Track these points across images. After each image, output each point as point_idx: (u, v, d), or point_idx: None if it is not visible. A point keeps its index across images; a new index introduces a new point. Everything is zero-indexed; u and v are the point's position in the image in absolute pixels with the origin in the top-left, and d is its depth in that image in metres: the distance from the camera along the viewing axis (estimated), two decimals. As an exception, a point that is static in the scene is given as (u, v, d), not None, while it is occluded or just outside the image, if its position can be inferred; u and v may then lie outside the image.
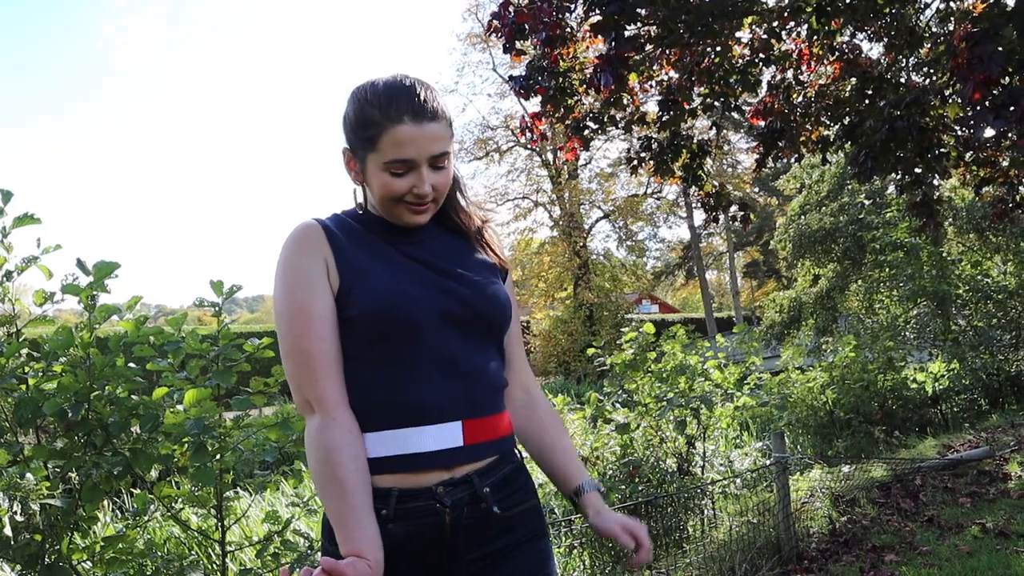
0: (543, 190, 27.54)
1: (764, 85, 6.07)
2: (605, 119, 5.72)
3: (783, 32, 5.73)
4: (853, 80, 5.86)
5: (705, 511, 4.53)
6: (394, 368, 1.28)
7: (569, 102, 5.43)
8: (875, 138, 5.37)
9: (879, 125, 5.32)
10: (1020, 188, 6.40)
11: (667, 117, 5.70)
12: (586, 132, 5.71)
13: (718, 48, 5.55)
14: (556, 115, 5.54)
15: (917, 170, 5.71)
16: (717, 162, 26.71)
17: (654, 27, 5.17)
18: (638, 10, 4.77)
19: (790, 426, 7.59)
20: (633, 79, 5.52)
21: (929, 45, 5.95)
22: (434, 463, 1.27)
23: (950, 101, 5.28)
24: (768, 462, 4.69)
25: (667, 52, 5.54)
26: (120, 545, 2.39)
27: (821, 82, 6.18)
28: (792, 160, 6.66)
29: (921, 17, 5.92)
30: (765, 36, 5.63)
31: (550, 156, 26.13)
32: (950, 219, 13.04)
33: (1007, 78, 4.04)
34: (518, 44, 5.10)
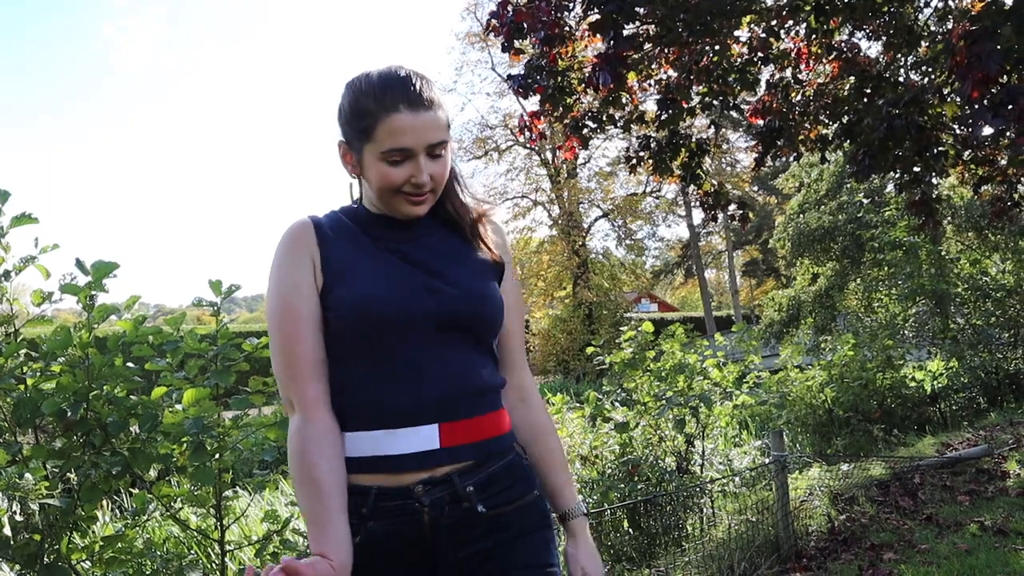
0: (542, 189, 27.54)
1: (763, 84, 6.08)
2: (604, 118, 5.72)
3: (782, 31, 5.73)
4: (852, 79, 5.86)
5: (704, 510, 4.53)
6: (372, 370, 1.28)
7: (568, 101, 5.43)
8: (873, 137, 5.37)
9: (877, 124, 5.33)
10: (1018, 187, 6.40)
11: (666, 116, 5.70)
12: (585, 131, 5.71)
13: (717, 47, 5.55)
14: (555, 114, 5.54)
15: (916, 169, 5.71)
16: (716, 161, 26.72)
17: (653, 26, 5.17)
18: (637, 9, 4.78)
19: (789, 424, 7.60)
20: (632, 78, 5.52)
21: (927, 44, 5.95)
22: (410, 465, 1.26)
23: (948, 100, 5.28)
24: (767, 461, 4.70)
25: (666, 51, 5.54)
26: (119, 545, 2.39)
27: (820, 81, 6.18)
28: (791, 159, 6.67)
29: (920, 16, 5.92)
30: (764, 35, 5.63)
31: (549, 155, 26.11)
32: (949, 218, 13.04)
33: (1005, 76, 4.04)
34: (517, 43, 5.10)
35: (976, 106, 4.00)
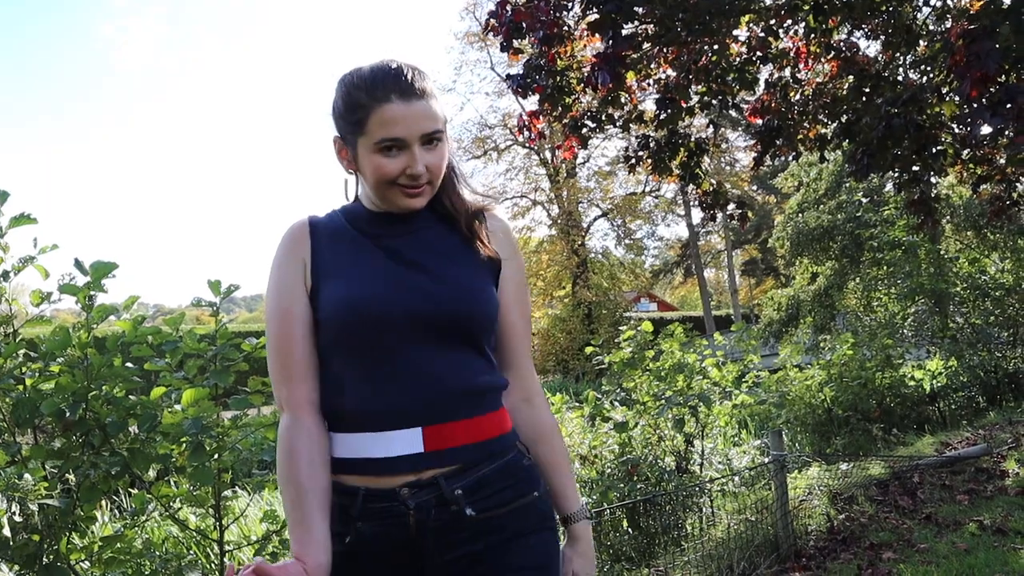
0: (541, 188, 27.54)
1: (762, 83, 6.08)
2: (603, 117, 5.72)
3: (780, 30, 5.73)
4: (850, 78, 5.86)
5: (703, 509, 4.53)
6: (358, 371, 1.27)
7: (567, 100, 5.43)
8: (872, 136, 5.37)
9: (876, 123, 5.33)
10: (1017, 185, 6.40)
11: (665, 115, 5.70)
12: (584, 130, 5.71)
13: (716, 46, 5.55)
14: (554, 113, 5.54)
15: (914, 168, 5.72)
16: (715, 160, 26.71)
17: (652, 25, 5.17)
18: (635, 8, 4.78)
19: (788, 424, 7.61)
20: (631, 77, 5.52)
21: (926, 43, 5.95)
22: (394, 468, 1.25)
23: (947, 99, 5.28)
24: (766, 460, 4.70)
25: (665, 50, 5.54)
26: (118, 545, 2.39)
27: (818, 80, 6.18)
28: (790, 158, 6.66)
29: (918, 15, 5.92)
30: (762, 34, 5.63)
31: (548, 155, 26.10)
32: (948, 217, 13.05)
33: (1004, 75, 4.05)
34: (516, 43, 5.10)
35: (975, 105, 4.00)
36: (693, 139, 6.18)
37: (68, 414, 2.17)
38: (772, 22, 5.59)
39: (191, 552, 3.39)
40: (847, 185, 16.39)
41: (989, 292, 9.64)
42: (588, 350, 5.57)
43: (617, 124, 5.93)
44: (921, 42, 5.95)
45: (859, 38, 6.11)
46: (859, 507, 4.82)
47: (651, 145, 6.10)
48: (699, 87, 5.75)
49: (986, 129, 4.40)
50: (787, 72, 6.07)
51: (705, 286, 33.10)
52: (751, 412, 7.62)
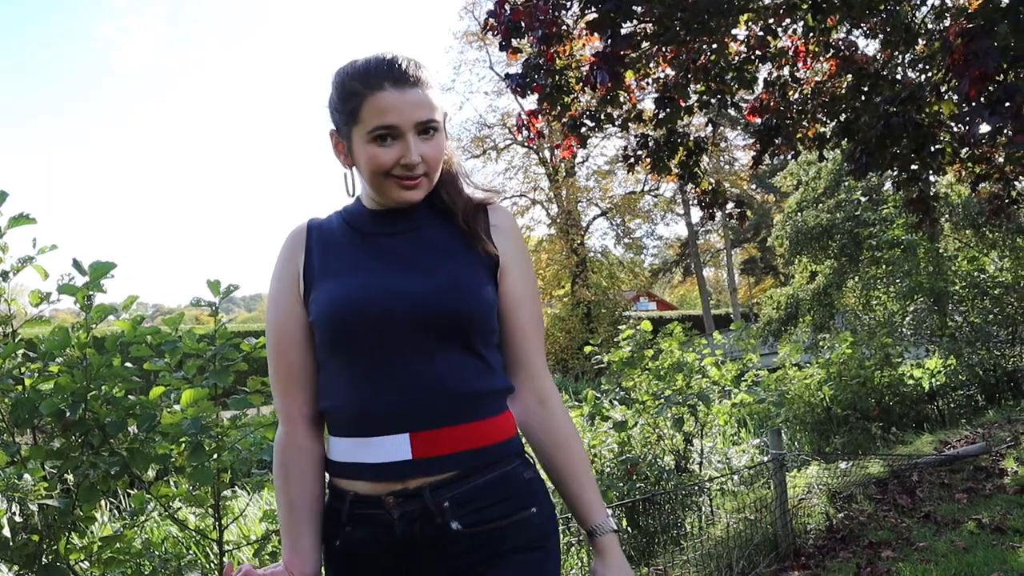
0: (540, 188, 27.55)
1: (760, 82, 6.08)
2: (602, 116, 5.72)
3: (779, 29, 5.73)
4: (849, 77, 5.87)
5: (703, 508, 4.53)
6: (347, 374, 1.25)
7: (566, 100, 5.43)
8: (871, 134, 5.37)
9: (875, 121, 5.33)
10: (1016, 184, 6.41)
11: (663, 114, 5.70)
12: (583, 130, 5.71)
13: (714, 45, 5.55)
14: (553, 113, 5.54)
15: (913, 166, 5.72)
16: (714, 159, 26.73)
17: (650, 24, 5.17)
18: (634, 7, 4.78)
19: (787, 423, 7.61)
20: (629, 76, 5.52)
21: (925, 41, 5.96)
22: (381, 475, 1.21)
23: (946, 97, 5.29)
24: (765, 459, 4.70)
25: (663, 49, 5.54)
26: (117, 545, 2.39)
27: (817, 79, 6.18)
28: (789, 157, 6.67)
29: (917, 13, 5.92)
30: (761, 33, 5.63)
31: (547, 154, 26.11)
32: (946, 215, 13.07)
33: (1002, 74, 4.04)
34: (514, 42, 5.10)
35: (973, 104, 4.00)
36: (692, 138, 6.18)
37: (67, 414, 2.17)
38: (771, 21, 5.59)
39: (190, 552, 3.40)
40: (846, 184, 16.41)
41: (988, 290, 9.65)
42: (587, 349, 5.57)
43: (616, 123, 5.93)
44: (920, 41, 5.95)
45: (858, 37, 6.12)
46: (858, 506, 4.83)
47: (650, 144, 6.10)
48: (698, 86, 5.75)
49: (984, 128, 4.41)
50: (786, 71, 6.07)
51: (704, 285, 33.10)
52: (750, 411, 7.62)
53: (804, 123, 6.16)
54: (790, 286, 18.56)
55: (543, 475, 1.34)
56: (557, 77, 5.31)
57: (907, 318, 10.70)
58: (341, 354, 1.25)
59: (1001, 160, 6.10)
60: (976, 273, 9.93)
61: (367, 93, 1.21)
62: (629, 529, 4.38)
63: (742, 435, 7.65)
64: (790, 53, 5.96)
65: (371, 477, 1.23)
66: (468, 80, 38.29)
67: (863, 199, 16.34)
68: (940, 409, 8.34)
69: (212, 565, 2.86)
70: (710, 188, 6.39)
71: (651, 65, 5.79)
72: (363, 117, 1.22)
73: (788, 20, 5.65)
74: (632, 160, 6.20)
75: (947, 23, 5.64)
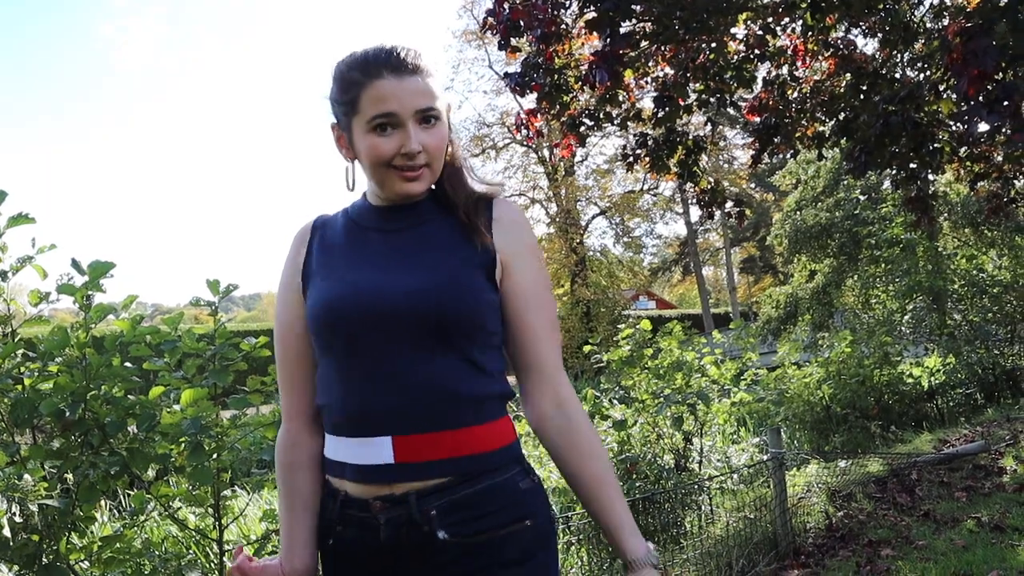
0: (539, 187, 27.52)
1: (759, 81, 6.08)
2: (601, 116, 5.72)
3: (778, 28, 5.73)
4: (848, 76, 5.87)
5: (702, 507, 4.54)
6: (336, 374, 1.24)
7: (565, 99, 5.43)
8: (870, 133, 5.37)
9: (874, 120, 5.33)
10: (1015, 183, 6.42)
11: (663, 113, 5.70)
12: (582, 129, 5.71)
13: (713, 44, 5.56)
14: (552, 112, 5.54)
15: (912, 165, 5.72)
16: (713, 158, 26.71)
17: (649, 23, 5.17)
18: (633, 6, 4.78)
19: (787, 421, 7.61)
20: (628, 75, 5.52)
21: (923, 40, 5.96)
22: (367, 477, 1.19)
23: (944, 96, 5.28)
24: (765, 458, 4.70)
25: (662, 48, 5.54)
26: (117, 545, 2.39)
27: (816, 78, 6.18)
28: (788, 156, 6.68)
29: (915, 12, 5.93)
30: (760, 32, 5.64)
31: (546, 153, 26.08)
32: (945, 214, 13.09)
33: (1001, 73, 4.04)
34: (513, 41, 5.09)
35: (972, 103, 4.00)
36: (691, 137, 6.19)
37: (67, 414, 2.17)
38: (770, 20, 5.59)
39: (190, 552, 3.39)
40: (845, 182, 16.43)
41: (987, 289, 9.66)
42: (587, 348, 5.57)
43: (615, 122, 5.93)
44: (918, 40, 5.95)
45: (856, 36, 6.12)
46: (857, 504, 4.83)
47: (649, 143, 6.10)
48: (697, 85, 5.75)
49: (983, 126, 4.41)
50: (785, 70, 6.08)
51: (703, 284, 33.11)
52: (749, 410, 7.62)
53: (803, 122, 6.16)
54: (789, 285, 18.58)
55: (547, 475, 1.33)
56: (556, 76, 5.31)
57: (906, 317, 10.70)
58: (330, 352, 1.26)
59: (1000, 159, 6.11)
60: (975, 272, 9.94)
61: (366, 82, 1.20)
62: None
63: (741, 434, 7.66)
64: (789, 52, 5.97)
65: (355, 478, 1.21)
66: (467, 79, 38.15)
67: (862, 198, 16.35)
68: (939, 407, 8.34)
69: (212, 565, 2.86)
70: (709, 187, 6.39)
71: (650, 64, 5.79)
72: (362, 106, 1.21)
73: (787, 19, 5.65)
74: (631, 159, 6.20)
75: (946, 22, 5.65)
